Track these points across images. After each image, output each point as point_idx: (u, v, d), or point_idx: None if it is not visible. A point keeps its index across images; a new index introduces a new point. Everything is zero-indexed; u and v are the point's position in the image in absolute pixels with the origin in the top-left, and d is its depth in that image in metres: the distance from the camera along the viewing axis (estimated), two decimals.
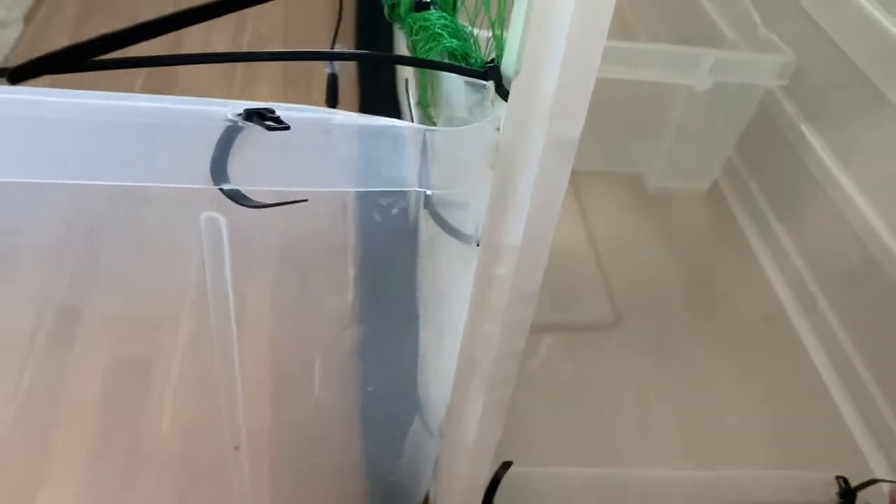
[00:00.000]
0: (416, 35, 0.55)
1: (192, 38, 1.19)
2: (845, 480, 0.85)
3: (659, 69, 1.04)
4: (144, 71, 1.01)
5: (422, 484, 0.76)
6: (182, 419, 0.75)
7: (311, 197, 0.49)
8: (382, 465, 0.75)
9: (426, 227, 0.60)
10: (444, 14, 0.56)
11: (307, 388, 0.71)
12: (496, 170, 0.47)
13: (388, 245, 0.57)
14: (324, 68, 0.91)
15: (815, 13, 1.04)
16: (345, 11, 1.25)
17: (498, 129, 0.46)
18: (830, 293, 1.02)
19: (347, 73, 0.95)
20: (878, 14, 0.92)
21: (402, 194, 0.49)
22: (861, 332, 0.96)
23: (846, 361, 0.97)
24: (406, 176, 0.47)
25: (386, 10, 0.63)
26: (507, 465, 0.74)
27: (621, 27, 1.38)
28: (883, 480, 0.83)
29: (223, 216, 0.51)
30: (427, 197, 0.57)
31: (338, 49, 0.93)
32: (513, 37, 0.45)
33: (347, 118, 0.44)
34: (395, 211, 0.50)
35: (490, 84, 0.49)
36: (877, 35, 0.92)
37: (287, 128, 0.41)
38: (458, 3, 0.60)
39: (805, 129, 1.06)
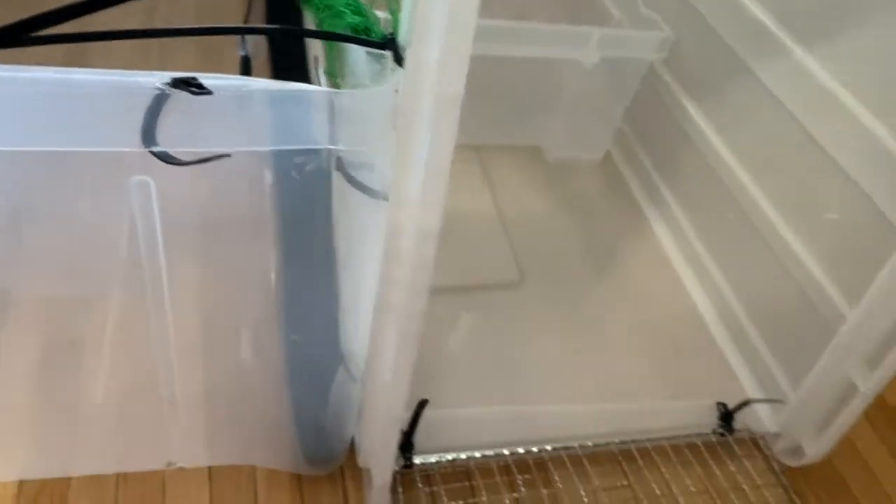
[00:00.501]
0: (322, 13, 0.61)
1: (103, 24, 1.21)
2: (724, 406, 0.96)
3: (551, 46, 1.13)
4: (60, 54, 1.04)
5: (347, 429, 0.83)
6: (117, 387, 0.79)
7: (234, 157, 0.55)
8: (311, 414, 0.81)
9: (339, 186, 0.67)
10: None
11: (236, 343, 0.76)
12: (397, 129, 0.54)
13: (306, 202, 0.63)
14: (238, 50, 0.96)
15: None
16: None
17: (396, 91, 0.53)
18: (709, 243, 1.14)
19: (260, 55, 1.00)
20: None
21: (315, 153, 0.55)
22: (734, 274, 1.08)
23: (723, 300, 1.09)
24: (316, 135, 0.53)
25: None
26: (423, 403, 0.81)
27: (520, 10, 1.47)
28: (754, 401, 0.94)
29: (153, 179, 0.56)
30: (339, 159, 0.64)
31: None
32: (405, 14, 0.52)
33: (262, 83, 0.50)
34: (309, 168, 0.56)
35: (389, 54, 0.56)
36: (742, 16, 1.03)
37: (210, 93, 0.47)
38: None
39: (683, 99, 1.17)
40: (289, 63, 0.82)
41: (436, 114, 0.49)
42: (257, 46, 0.99)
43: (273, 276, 0.72)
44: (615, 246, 1.21)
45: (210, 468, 0.84)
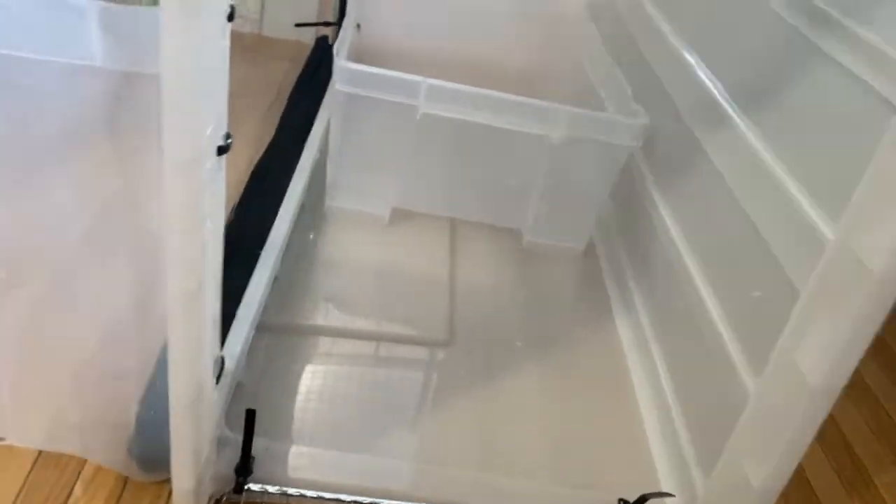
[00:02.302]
0: None
1: None
2: (625, 501, 0.84)
3: (519, 117, 1.12)
4: None
5: None
6: None
7: None
8: (156, 407, 0.77)
9: None
10: None
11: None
12: None
13: None
14: None
15: (665, 81, 1.13)
16: None
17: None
18: (662, 336, 1.04)
19: None
20: (699, 70, 1.00)
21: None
22: (677, 369, 0.97)
23: (661, 393, 0.97)
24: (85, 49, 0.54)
25: None
26: (251, 413, 0.75)
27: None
28: (651, 495, 0.81)
29: None
30: None
31: None
32: None
33: None
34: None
35: None
36: (699, 91, 0.99)
37: None
38: None
39: (653, 189, 1.12)
40: None
41: None
42: None
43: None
44: (569, 330, 1.12)
45: (40, 452, 0.80)
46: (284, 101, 1.57)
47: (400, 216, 1.26)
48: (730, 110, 0.91)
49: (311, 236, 1.19)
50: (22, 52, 0.53)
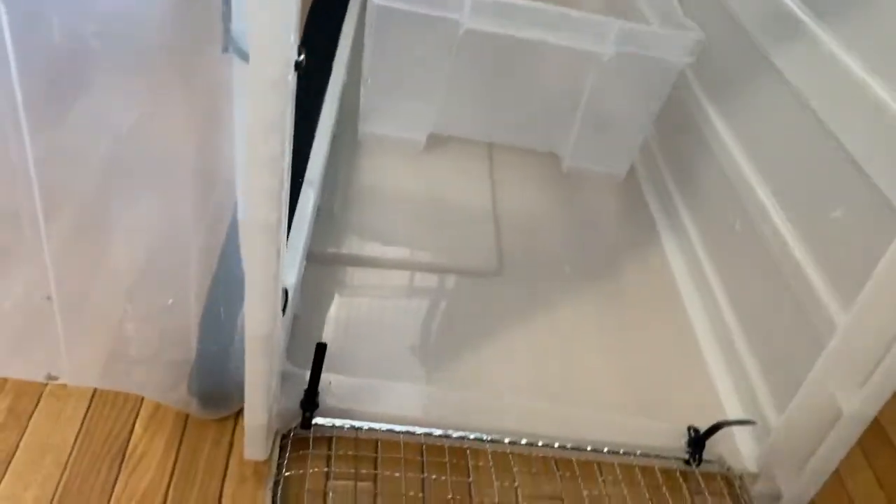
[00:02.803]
0: None
1: None
2: (696, 430, 0.82)
3: (566, 32, 1.06)
4: None
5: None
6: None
7: None
8: (214, 345, 0.74)
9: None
10: None
11: (135, 239, 0.70)
12: None
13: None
14: None
15: None
16: None
17: None
18: (716, 259, 1.01)
19: None
20: None
21: None
22: (735, 290, 0.95)
23: (720, 319, 0.95)
24: None
25: None
26: (322, 347, 0.72)
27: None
28: (726, 423, 0.80)
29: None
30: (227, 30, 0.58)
31: None
32: None
33: None
34: None
35: None
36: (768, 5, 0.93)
37: None
38: None
39: (708, 106, 1.07)
40: None
41: None
42: None
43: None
44: (616, 255, 1.09)
45: (95, 391, 0.77)
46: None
47: (436, 142, 1.21)
48: (805, 18, 0.85)
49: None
50: None
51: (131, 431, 0.74)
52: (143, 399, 0.77)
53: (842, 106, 0.77)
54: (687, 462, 0.81)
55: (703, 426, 0.81)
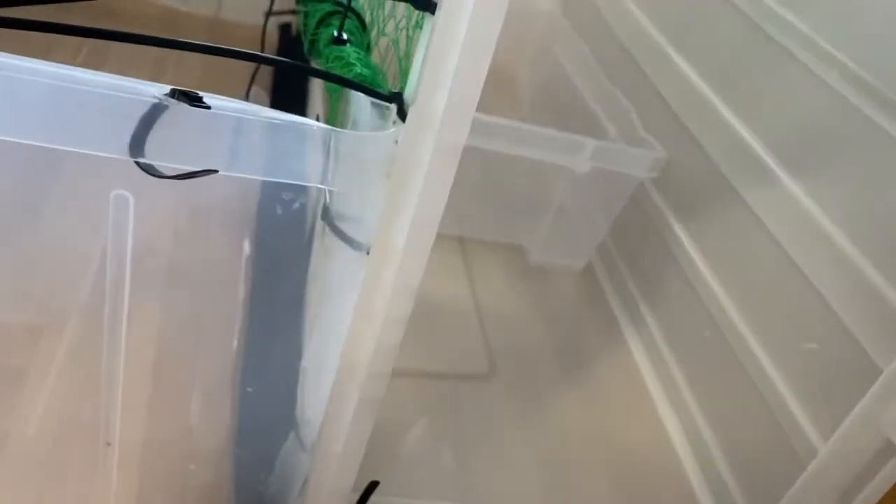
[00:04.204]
0: (331, 63, 0.61)
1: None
2: None
3: (547, 150, 1.16)
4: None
5: (289, 501, 0.77)
6: (53, 421, 0.74)
7: (219, 188, 0.54)
8: (252, 479, 0.76)
9: (322, 236, 0.65)
10: (358, 50, 0.63)
11: (187, 391, 0.73)
12: (391, 179, 0.53)
13: (285, 242, 0.61)
14: None
15: (685, 119, 1.19)
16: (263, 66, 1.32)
17: (396, 142, 0.53)
18: (685, 364, 1.12)
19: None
20: (735, 123, 1.07)
21: (304, 190, 0.54)
22: (708, 398, 1.06)
23: (694, 426, 1.06)
24: (308, 171, 0.52)
25: (306, 45, 0.70)
26: (374, 485, 0.77)
27: (515, 113, 1.51)
28: None
29: (133, 195, 0.55)
30: (325, 208, 0.63)
31: (255, 89, 0.99)
32: (414, 70, 0.52)
33: (263, 110, 0.49)
34: (296, 206, 0.54)
35: (393, 106, 0.55)
36: (733, 141, 1.06)
37: (207, 107, 0.46)
38: (372, 45, 0.67)
39: (671, 219, 1.19)
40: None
41: (434, 163, 0.48)
42: (257, 97, 1.00)
43: (237, 321, 0.69)
44: (589, 357, 1.19)
45: None
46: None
47: None
48: (771, 164, 0.98)
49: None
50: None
51: None
52: None
53: (810, 250, 0.90)
54: None
55: None
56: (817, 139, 0.93)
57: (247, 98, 0.91)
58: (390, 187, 0.53)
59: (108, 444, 0.70)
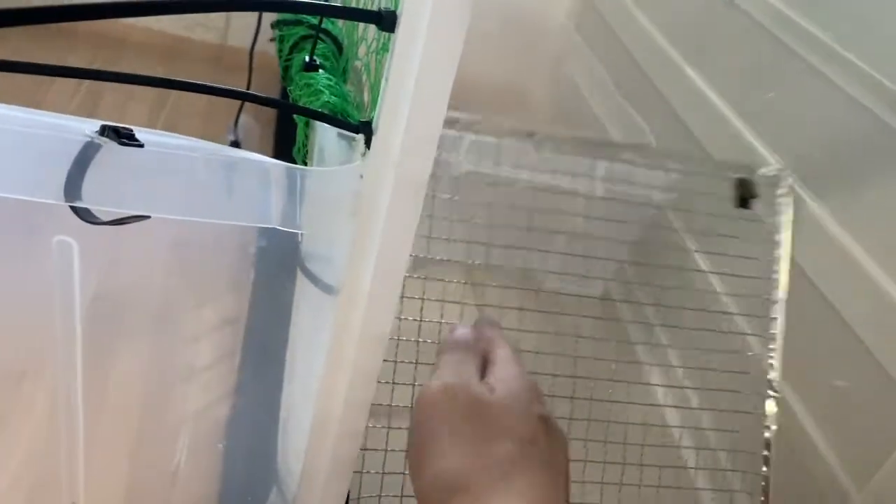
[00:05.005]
0: (300, 91, 0.56)
1: (109, 103, 1.20)
2: None
3: (557, 174, 1.10)
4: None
5: None
6: (18, 482, 0.70)
7: (178, 231, 0.49)
8: None
9: (298, 280, 0.60)
10: (330, 77, 0.58)
11: (160, 449, 0.68)
12: (357, 216, 0.48)
13: (265, 286, 0.56)
14: (228, 136, 0.92)
15: (700, 136, 1.13)
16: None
17: (361, 176, 0.48)
18: (705, 397, 1.05)
19: (250, 140, 0.97)
20: (754, 140, 1.00)
21: (278, 236, 0.49)
22: (727, 435, 0.99)
23: (714, 461, 0.99)
24: (266, 211, 0.47)
25: (281, 72, 0.65)
26: None
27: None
28: None
29: (77, 242, 0.50)
30: (297, 247, 0.58)
31: (244, 119, 0.95)
32: (378, 98, 0.47)
33: (206, 146, 0.45)
34: (269, 247, 0.50)
35: (360, 137, 0.50)
36: (752, 159, 0.99)
37: (140, 145, 0.42)
38: (348, 70, 0.63)
39: (688, 242, 1.12)
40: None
41: (396, 198, 0.43)
42: (248, 132, 0.96)
43: (217, 369, 0.64)
44: (604, 388, 1.12)
45: None
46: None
47: (418, 263, 1.21)
48: (794, 185, 0.91)
49: None
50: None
51: None
52: None
53: (838, 278, 0.83)
54: None
55: None
56: (843, 156, 0.87)
57: (235, 129, 0.87)
58: (356, 226, 0.48)
59: (74, 503, 0.65)
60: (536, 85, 1.64)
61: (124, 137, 0.41)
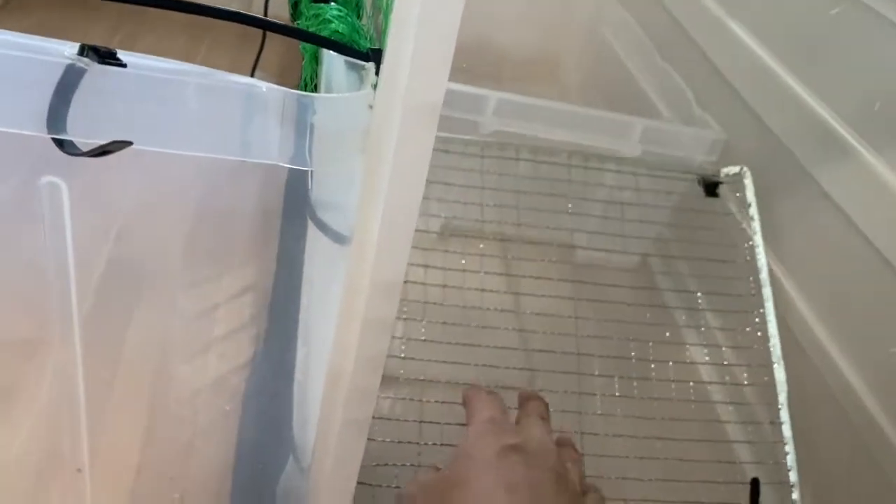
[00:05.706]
0: (308, 21, 0.52)
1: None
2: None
3: (592, 133, 1.04)
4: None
5: None
6: (22, 447, 0.67)
7: (175, 171, 0.45)
8: None
9: (309, 231, 0.56)
10: (340, 7, 0.54)
11: (171, 409, 0.64)
12: (366, 153, 0.44)
13: (280, 233, 0.52)
14: None
15: (745, 93, 1.06)
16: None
17: (370, 106, 0.43)
18: (750, 371, 0.99)
19: None
20: (804, 93, 0.93)
21: (272, 170, 0.44)
22: (767, 394, 0.93)
23: (759, 434, 0.93)
24: (265, 145, 0.43)
25: (290, 10, 0.61)
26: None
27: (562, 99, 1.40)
28: None
29: (65, 182, 0.46)
30: (307, 193, 0.54)
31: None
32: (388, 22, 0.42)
33: (202, 70, 0.40)
34: (282, 189, 0.45)
35: (370, 66, 0.46)
36: (803, 116, 0.92)
37: (123, 65, 0.38)
38: (363, 5, 0.58)
39: (732, 206, 1.06)
40: None
41: (405, 129, 0.38)
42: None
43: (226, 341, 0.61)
44: (643, 355, 1.06)
45: None
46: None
47: (449, 232, 1.16)
48: (851, 140, 0.85)
49: None
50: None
51: None
52: None
53: None
54: None
55: None
56: None
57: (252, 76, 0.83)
58: (365, 164, 0.43)
59: (79, 470, 0.62)
60: (570, 52, 1.57)
61: (106, 57, 0.37)
